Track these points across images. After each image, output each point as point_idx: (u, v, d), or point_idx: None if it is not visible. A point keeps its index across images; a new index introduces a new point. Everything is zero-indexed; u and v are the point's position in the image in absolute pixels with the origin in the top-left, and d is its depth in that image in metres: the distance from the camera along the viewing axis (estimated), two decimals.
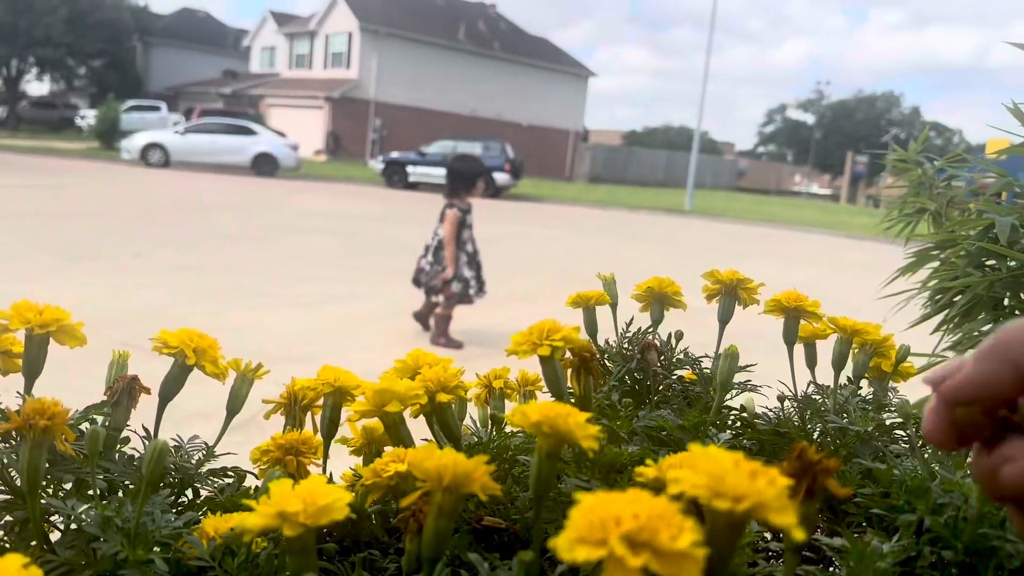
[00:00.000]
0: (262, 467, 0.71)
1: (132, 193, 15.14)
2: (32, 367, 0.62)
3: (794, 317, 0.89)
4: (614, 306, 0.96)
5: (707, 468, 0.36)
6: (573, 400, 0.68)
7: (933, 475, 0.66)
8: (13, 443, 0.63)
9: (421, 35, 35.10)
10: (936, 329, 1.53)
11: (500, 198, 22.88)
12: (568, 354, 0.67)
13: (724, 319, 0.90)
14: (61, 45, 38.39)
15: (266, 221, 12.63)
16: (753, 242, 16.38)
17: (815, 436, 0.85)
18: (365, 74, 33.78)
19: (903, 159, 1.70)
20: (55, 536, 0.62)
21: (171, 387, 0.66)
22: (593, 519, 0.33)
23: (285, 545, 0.45)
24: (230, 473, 0.67)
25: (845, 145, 56.39)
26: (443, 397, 0.64)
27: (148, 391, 0.68)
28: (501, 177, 22.99)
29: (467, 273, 5.74)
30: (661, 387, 0.85)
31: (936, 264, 1.64)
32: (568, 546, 0.33)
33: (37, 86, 45.44)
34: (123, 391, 0.66)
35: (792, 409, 0.85)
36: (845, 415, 0.81)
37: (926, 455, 0.77)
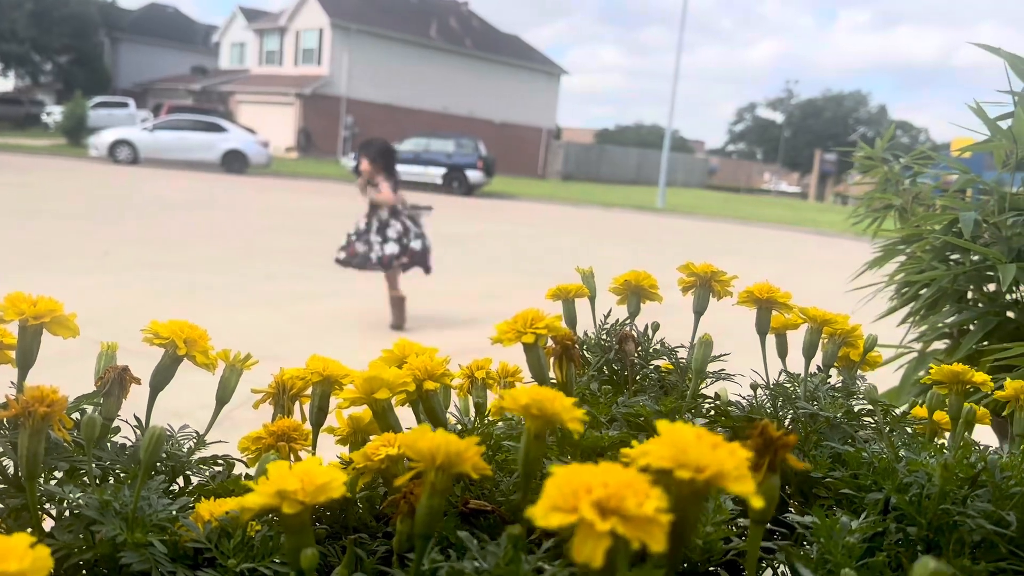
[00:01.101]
0: (250, 456, 0.73)
1: (100, 191, 14.92)
2: (26, 358, 0.63)
3: (766, 308, 0.92)
4: (592, 298, 0.99)
5: (671, 441, 0.38)
6: (555, 387, 0.70)
7: (899, 457, 0.69)
8: (4, 432, 0.63)
9: (393, 32, 34.94)
10: (903, 321, 1.58)
11: (473, 196, 22.87)
12: (550, 342, 0.69)
13: (699, 310, 0.93)
14: (26, 40, 37.69)
15: (236, 219, 12.52)
16: (723, 239, 16.54)
17: (786, 422, 0.88)
18: (336, 71, 33.56)
19: (870, 156, 1.75)
20: (48, 525, 0.63)
21: (162, 377, 0.67)
22: (566, 489, 0.36)
23: (283, 524, 0.46)
24: (220, 461, 0.68)
25: (814, 143, 57.09)
26: (430, 385, 0.65)
27: (139, 381, 0.69)
28: (474, 175, 22.99)
29: (375, 236, 5.89)
30: (638, 376, 0.88)
31: (902, 259, 1.69)
32: (543, 513, 0.35)
33: (1, 82, 44.55)
34: (114, 381, 0.67)
35: (764, 397, 0.88)
36: (815, 402, 0.84)
37: (892, 439, 0.80)
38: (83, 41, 39.89)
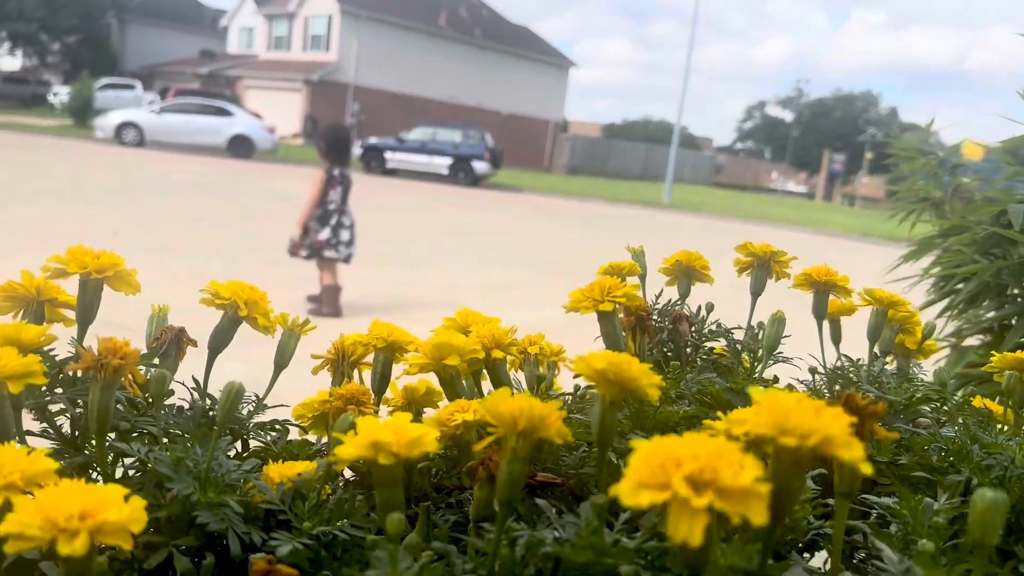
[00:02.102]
0: (306, 422, 0.71)
1: (107, 172, 14.91)
2: (86, 313, 0.61)
3: (823, 291, 0.90)
4: (643, 277, 0.97)
5: (770, 407, 0.36)
6: None
7: (975, 439, 0.67)
8: (59, 391, 0.62)
9: (402, 20, 34.82)
10: (940, 314, 1.56)
11: (479, 187, 22.82)
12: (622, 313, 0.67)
13: (756, 291, 0.91)
14: (34, 20, 37.59)
15: (242, 204, 12.51)
16: (730, 237, 16.49)
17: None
18: (344, 57, 33.47)
19: (907, 148, 1.73)
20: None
21: (220, 339, 0.65)
22: (653, 463, 0.33)
23: (375, 477, 0.45)
24: (278, 427, 0.66)
25: (822, 143, 56.96)
26: (497, 354, 0.64)
27: (195, 343, 0.67)
28: (480, 166, 22.93)
29: (314, 224, 5.80)
30: (692, 356, 0.86)
31: (938, 252, 1.67)
32: (631, 492, 0.33)
33: (9, 61, 44.47)
34: (171, 342, 0.65)
35: (822, 381, 0.87)
36: (879, 386, 0.82)
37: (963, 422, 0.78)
38: (91, 22, 39.78)
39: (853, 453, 0.38)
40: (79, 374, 0.55)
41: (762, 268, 0.91)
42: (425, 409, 0.76)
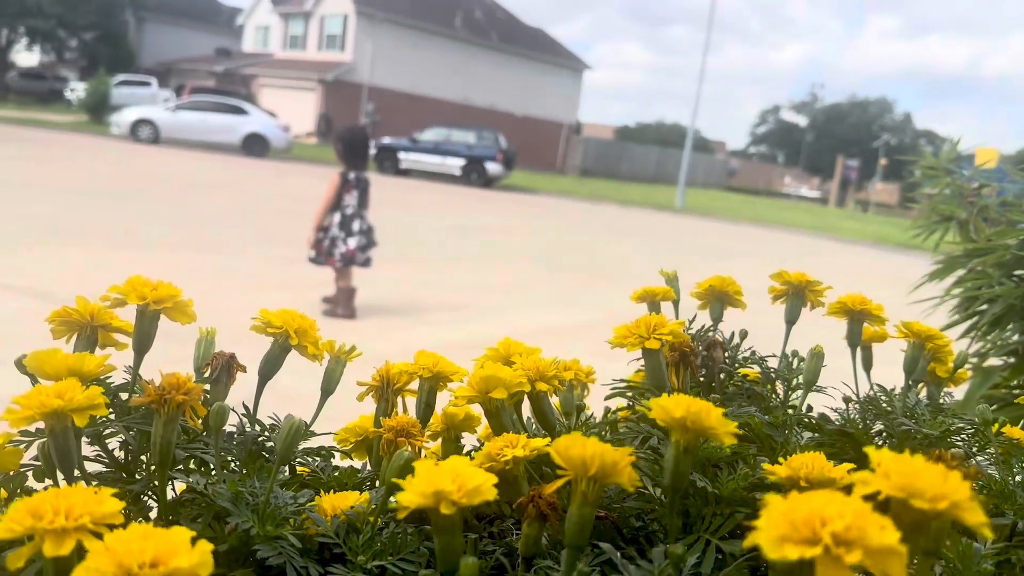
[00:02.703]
0: (347, 447, 0.72)
1: (122, 169, 15.01)
2: (143, 342, 0.62)
3: (858, 320, 0.90)
4: (676, 302, 0.98)
5: (899, 470, 0.37)
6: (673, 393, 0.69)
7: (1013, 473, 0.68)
8: (110, 420, 0.63)
9: (417, 21, 34.89)
10: (963, 335, 1.56)
11: (492, 188, 22.85)
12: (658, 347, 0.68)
13: (791, 320, 0.92)
14: (52, 16, 37.86)
15: (256, 202, 12.57)
16: (743, 241, 16.46)
17: (876, 438, 0.86)
18: (359, 58, 33.57)
19: (933, 167, 1.73)
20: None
21: (271, 366, 0.67)
22: (795, 519, 0.34)
23: (434, 524, 0.46)
24: (322, 452, 0.68)
25: (836, 148, 56.70)
26: (541, 386, 0.65)
27: (244, 369, 0.68)
28: (493, 167, 22.96)
29: (338, 232, 5.80)
30: (725, 383, 0.87)
31: (962, 272, 1.67)
32: (773, 544, 0.34)
33: (27, 56, 44.80)
34: (222, 368, 0.66)
35: (855, 410, 0.87)
36: (914, 418, 0.82)
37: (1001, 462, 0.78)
38: (109, 19, 40.02)
39: (977, 518, 0.39)
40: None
41: (797, 296, 0.92)
42: (463, 434, 0.77)
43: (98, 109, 26.60)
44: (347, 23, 33.70)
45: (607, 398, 0.88)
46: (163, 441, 0.52)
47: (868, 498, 0.37)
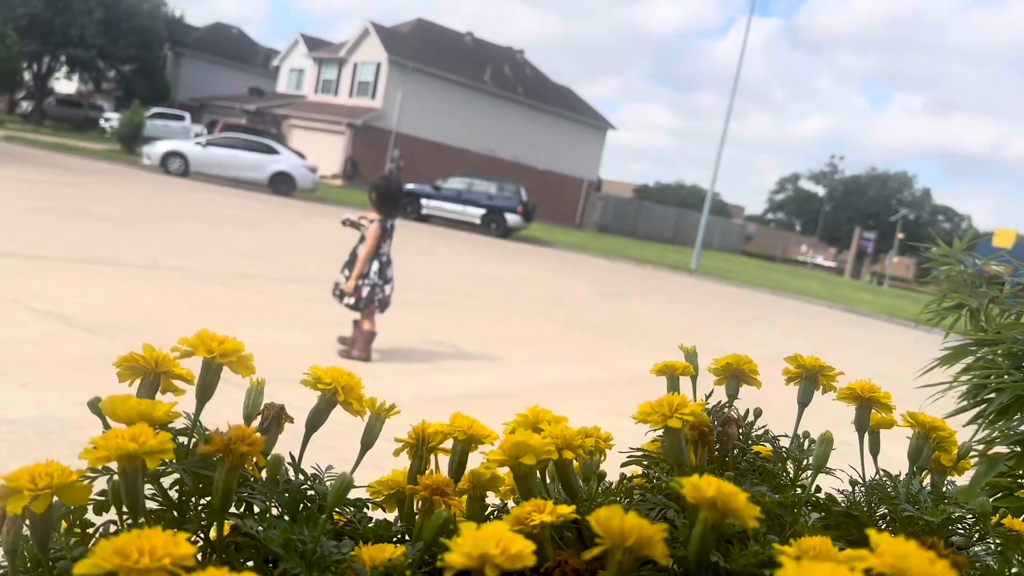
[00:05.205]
0: (380, 498, 0.77)
1: (151, 200, 15.28)
2: (205, 392, 0.68)
3: (866, 406, 0.95)
4: (694, 378, 1.02)
5: (892, 551, 0.42)
6: (691, 471, 0.74)
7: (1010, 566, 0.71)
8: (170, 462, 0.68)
9: (447, 73, 35.65)
10: (969, 423, 1.59)
11: (510, 238, 23.05)
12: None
13: (803, 402, 0.96)
14: (93, 47, 39.01)
15: (280, 240, 12.74)
16: (756, 307, 16.46)
17: (880, 522, 0.90)
18: (389, 105, 34.24)
19: (947, 255, 1.78)
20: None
21: (317, 419, 0.72)
22: None
23: None
24: (358, 504, 0.72)
25: (854, 220, 56.88)
26: (568, 454, 0.69)
27: (292, 420, 0.74)
28: (512, 218, 23.21)
29: (377, 279, 5.95)
30: (738, 459, 0.91)
31: (971, 359, 1.70)
32: None
33: (65, 84, 46.00)
34: (272, 419, 0.71)
35: (860, 493, 0.91)
36: (916, 505, 0.86)
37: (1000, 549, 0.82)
38: (147, 53, 41.19)
39: None
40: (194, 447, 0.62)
41: (810, 380, 0.96)
42: (488, 493, 0.82)
43: (131, 139, 27.21)
44: (379, 71, 34.48)
45: (623, 465, 0.93)
46: (224, 488, 0.57)
47: (866, 572, 0.41)
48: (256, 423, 0.73)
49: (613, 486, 0.88)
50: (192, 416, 0.67)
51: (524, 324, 8.62)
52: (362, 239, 5.96)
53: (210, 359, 0.67)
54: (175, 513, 0.68)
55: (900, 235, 47.29)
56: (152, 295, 6.72)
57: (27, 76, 38.23)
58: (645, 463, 0.92)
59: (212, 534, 0.64)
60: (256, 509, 0.69)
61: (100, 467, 0.60)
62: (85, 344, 4.86)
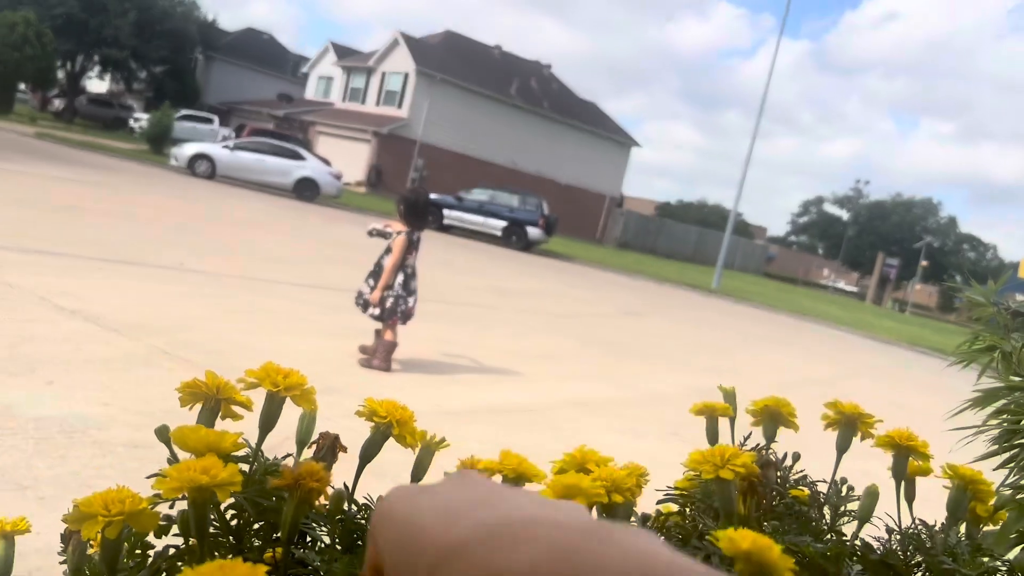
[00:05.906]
0: None
1: (178, 201, 15.46)
2: (268, 423, 0.70)
3: (903, 454, 0.95)
4: (732, 420, 1.04)
5: None
6: (741, 520, 0.75)
7: None
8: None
9: (474, 85, 35.87)
10: (999, 467, 1.59)
11: (530, 252, 23.09)
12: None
13: (842, 448, 0.97)
14: (126, 47, 39.65)
15: (304, 246, 12.84)
16: (776, 329, 16.35)
17: (916, 571, 0.91)
18: (415, 115, 34.49)
19: (981, 296, 1.77)
20: None
21: (371, 450, 0.74)
22: None
23: None
24: None
25: (877, 245, 56.44)
26: (617, 498, 0.71)
27: (345, 450, 0.76)
28: (534, 231, 23.25)
29: (401, 291, 5.99)
30: (777, 504, 0.92)
31: (1002, 402, 1.70)
32: None
33: (97, 83, 46.75)
34: (328, 449, 0.73)
35: (896, 543, 0.92)
36: (953, 558, 0.87)
37: None
38: (179, 55, 41.82)
39: None
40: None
41: (848, 426, 0.97)
42: None
43: (159, 140, 27.56)
44: (407, 81, 34.76)
45: (659, 503, 0.94)
46: (292, 521, 0.60)
47: None
48: (311, 452, 0.76)
49: (649, 524, 0.90)
50: (253, 445, 0.69)
51: (543, 339, 8.62)
52: (388, 250, 6.01)
53: (275, 392, 0.69)
54: (231, 539, 0.70)
55: (924, 263, 46.88)
56: (177, 297, 6.80)
57: (60, 74, 38.90)
58: (680, 500, 0.93)
59: (266, 559, 0.67)
60: (307, 538, 0.71)
61: (170, 497, 0.62)
62: (111, 344, 4.92)
